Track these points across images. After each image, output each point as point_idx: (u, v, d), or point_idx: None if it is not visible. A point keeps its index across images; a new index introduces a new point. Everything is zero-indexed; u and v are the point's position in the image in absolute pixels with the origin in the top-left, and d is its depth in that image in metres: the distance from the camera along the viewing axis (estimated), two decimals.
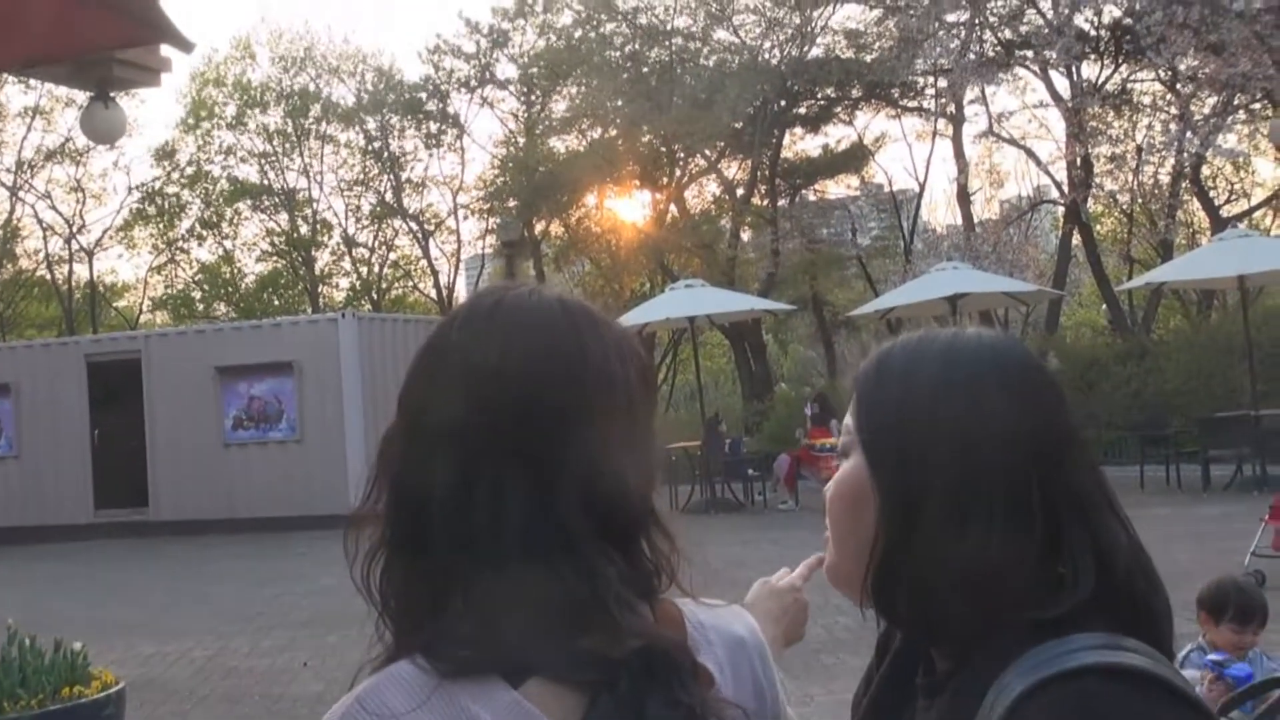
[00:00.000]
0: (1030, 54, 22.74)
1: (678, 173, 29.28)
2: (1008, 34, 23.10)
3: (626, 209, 30.86)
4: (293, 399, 18.91)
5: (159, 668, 8.85)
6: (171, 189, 34.46)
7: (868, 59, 24.72)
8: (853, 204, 31.31)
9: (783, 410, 22.91)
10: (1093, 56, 23.06)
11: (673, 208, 29.32)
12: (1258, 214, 27.85)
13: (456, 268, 35.14)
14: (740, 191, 28.16)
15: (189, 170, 34.24)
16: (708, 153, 27.83)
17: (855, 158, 28.92)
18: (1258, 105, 21.72)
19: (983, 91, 23.93)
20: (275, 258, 36.03)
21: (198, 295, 36.25)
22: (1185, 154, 21.32)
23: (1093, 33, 22.47)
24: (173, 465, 19.43)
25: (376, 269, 35.80)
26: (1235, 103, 20.97)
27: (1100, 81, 23.40)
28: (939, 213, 34.05)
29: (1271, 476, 13.91)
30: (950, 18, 22.60)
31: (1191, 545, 10.08)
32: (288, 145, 34.11)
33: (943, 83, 23.73)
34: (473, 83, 31.64)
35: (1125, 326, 24.08)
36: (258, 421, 19.23)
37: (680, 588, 1.13)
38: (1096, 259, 24.76)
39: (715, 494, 17.12)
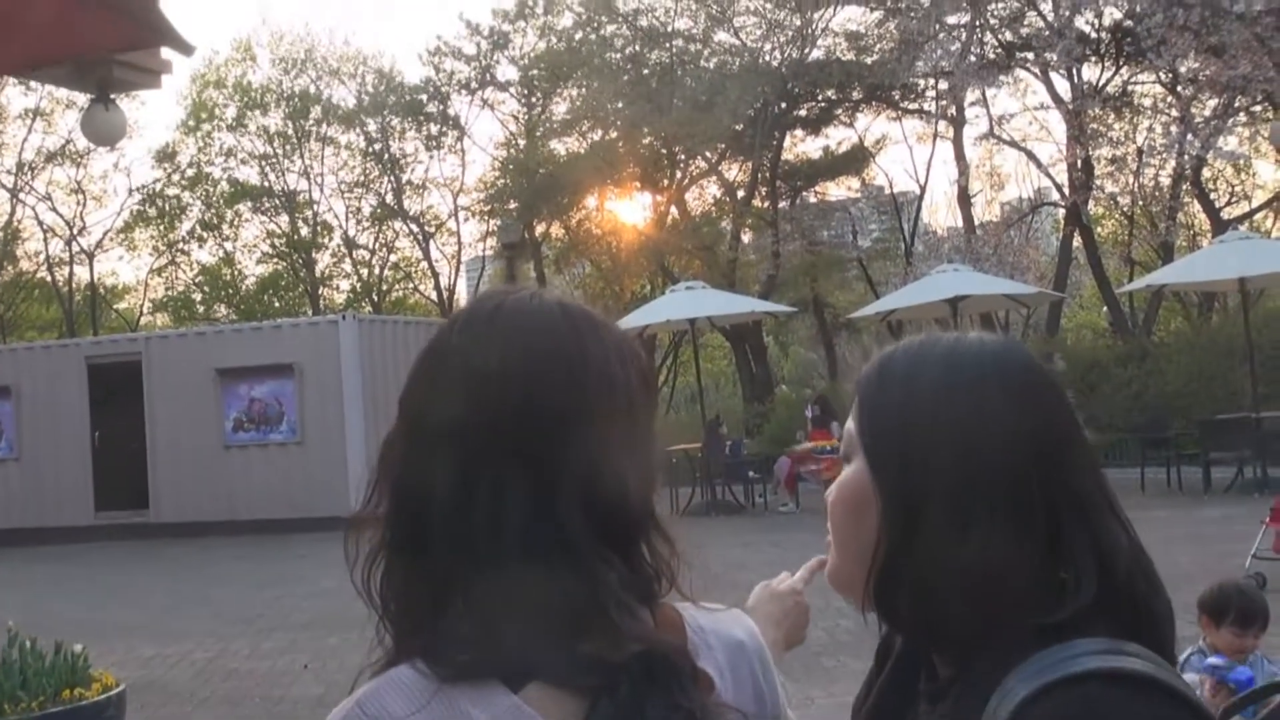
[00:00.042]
0: (1031, 56, 22.76)
1: (678, 175, 29.28)
2: (1008, 36, 23.12)
3: (627, 211, 30.90)
4: (293, 401, 18.91)
5: (160, 670, 8.84)
6: (172, 191, 34.48)
7: (868, 61, 24.72)
8: (853, 206, 31.31)
9: (783, 412, 22.91)
10: (1093, 59, 23.07)
11: (673, 210, 29.32)
12: (1258, 216, 27.86)
13: (457, 270, 35.16)
14: (741, 193, 28.16)
15: (189, 172, 34.26)
16: (708, 155, 27.83)
17: (856, 160, 28.92)
18: (1258, 107, 21.73)
19: (983, 94, 23.94)
20: (276, 260, 36.03)
21: (198, 297, 36.25)
22: (1186, 156, 21.32)
23: (1093, 35, 22.49)
24: (173, 467, 19.43)
25: (377, 271, 35.80)
26: (1236, 105, 20.97)
27: (1101, 84, 23.41)
28: (940, 215, 34.08)
29: (1272, 479, 13.90)
30: (951, 20, 22.62)
31: (1192, 547, 10.07)
32: (288, 147, 34.13)
33: (943, 85, 23.74)
34: (473, 85, 31.65)
35: (1126, 329, 24.08)
36: (258, 423, 19.23)
37: (680, 592, 1.13)
38: (1097, 261, 24.76)
39: (716, 496, 17.12)
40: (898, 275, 26.13)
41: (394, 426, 1.13)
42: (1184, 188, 23.56)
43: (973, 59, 22.19)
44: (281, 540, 16.79)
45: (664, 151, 28.06)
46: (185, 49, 3.93)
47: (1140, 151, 22.69)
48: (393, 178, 33.51)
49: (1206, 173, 24.52)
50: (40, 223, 33.88)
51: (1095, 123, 22.63)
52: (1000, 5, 22.83)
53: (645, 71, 27.19)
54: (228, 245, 35.70)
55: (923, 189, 30.07)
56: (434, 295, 34.91)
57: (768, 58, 26.20)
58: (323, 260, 35.77)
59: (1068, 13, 21.17)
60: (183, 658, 9.21)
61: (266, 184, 34.48)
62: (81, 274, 34.90)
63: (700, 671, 1.08)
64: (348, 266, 35.98)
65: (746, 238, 28.75)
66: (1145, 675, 0.99)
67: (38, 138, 32.12)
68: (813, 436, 16.63)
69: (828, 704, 6.41)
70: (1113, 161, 23.11)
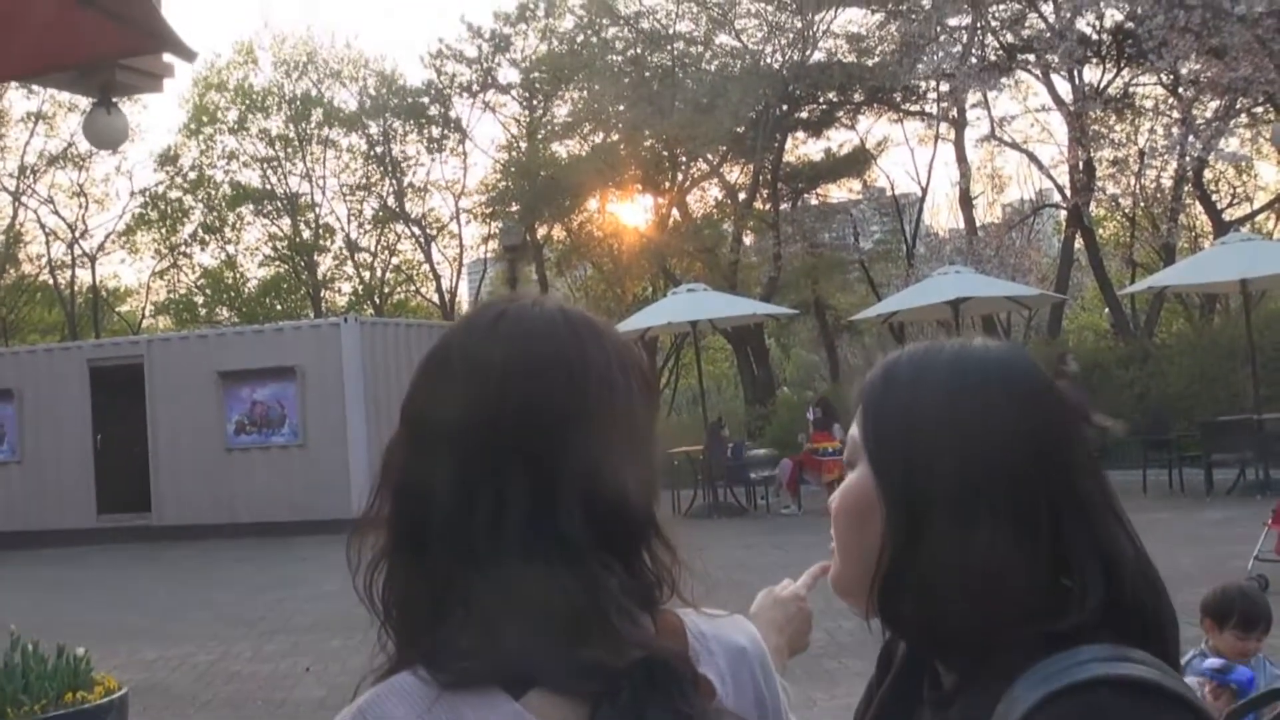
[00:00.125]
0: (1032, 58, 22.75)
1: (680, 177, 29.28)
2: (1009, 38, 23.12)
3: (628, 213, 30.89)
4: (295, 403, 18.92)
5: (162, 673, 8.85)
6: (174, 194, 34.49)
7: (869, 63, 24.72)
8: (855, 208, 31.30)
9: (785, 414, 22.90)
10: (1094, 60, 23.07)
11: (675, 212, 29.32)
12: (1260, 218, 27.83)
13: (459, 272, 35.16)
14: (742, 196, 28.16)
15: (191, 175, 34.28)
16: (710, 157, 27.83)
17: (857, 162, 28.91)
18: (1260, 109, 21.73)
19: (985, 96, 23.92)
20: (277, 262, 36.04)
21: (200, 300, 36.27)
22: (1187, 158, 21.31)
23: (1094, 36, 22.48)
24: (175, 470, 19.44)
25: (379, 273, 35.82)
26: (1237, 106, 20.98)
27: (1102, 85, 23.41)
28: (941, 217, 34.05)
29: (1274, 480, 13.89)
30: (952, 22, 22.63)
31: (1194, 549, 10.07)
32: (290, 150, 34.14)
33: (945, 87, 23.74)
34: (475, 87, 31.67)
35: (1128, 330, 24.06)
36: (260, 426, 19.24)
37: (681, 598, 1.13)
38: (1099, 263, 24.75)
39: (718, 498, 17.12)
40: (899, 277, 26.13)
41: (396, 433, 1.14)
42: (1186, 189, 23.55)
43: (974, 61, 22.19)
44: (283, 543, 16.80)
45: (665, 154, 28.06)
46: (187, 55, 3.94)
47: (1142, 153, 22.68)
48: (394, 180, 33.53)
49: (1208, 174, 24.51)
50: (42, 226, 33.95)
51: (1097, 124, 22.62)
52: (1001, 7, 22.83)
53: (647, 74, 27.19)
54: (230, 248, 35.75)
55: (924, 191, 30.07)
56: (436, 298, 34.92)
57: (769, 60, 26.21)
58: (324, 263, 35.80)
59: (1069, 14, 21.17)
60: (185, 660, 9.21)
61: (268, 187, 34.50)
62: (83, 277, 34.97)
63: (701, 677, 1.08)
64: (349, 269, 36.00)
65: (748, 240, 28.74)
66: (1151, 682, 0.99)
67: (40, 141, 32.20)
68: (814, 438, 16.63)
69: (829, 706, 6.41)
70: (1114, 163, 23.10)
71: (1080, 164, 22.14)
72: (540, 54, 30.81)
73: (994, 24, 22.86)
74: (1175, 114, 22.03)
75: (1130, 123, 23.83)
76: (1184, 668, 3.54)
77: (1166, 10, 18.72)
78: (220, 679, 8.57)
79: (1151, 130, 23.25)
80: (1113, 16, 22.11)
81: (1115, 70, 23.42)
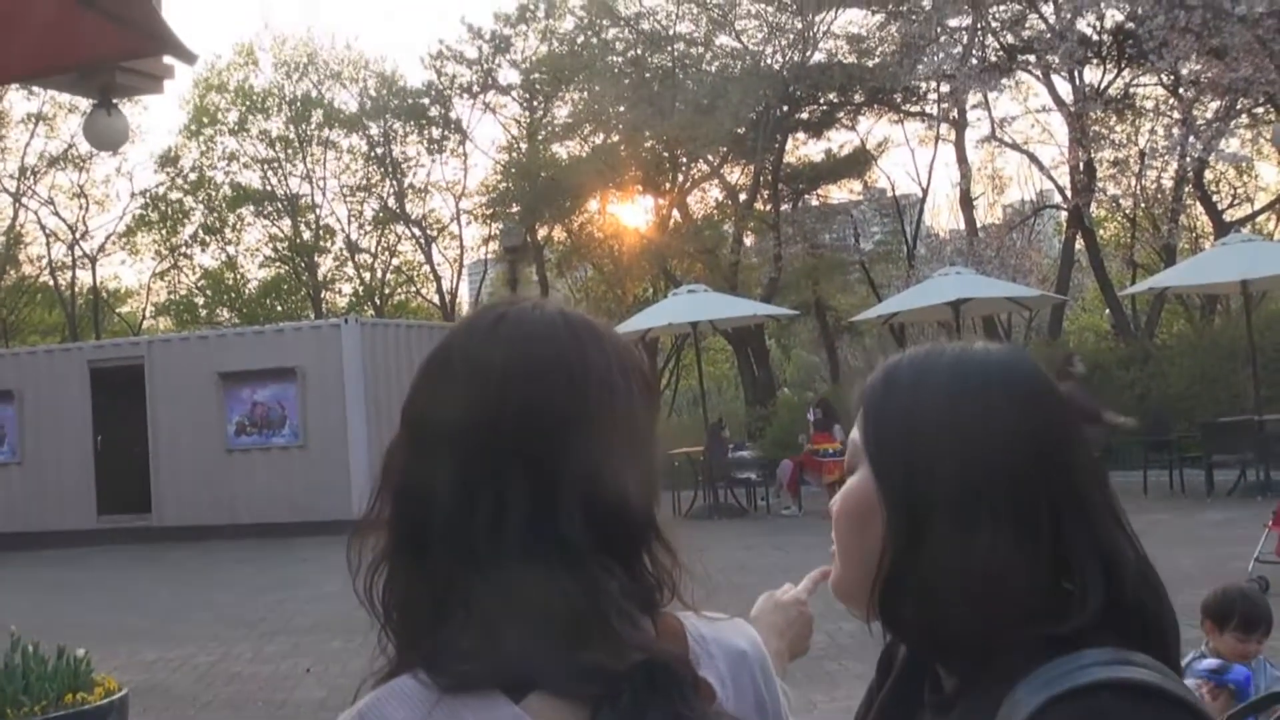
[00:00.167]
0: (1033, 59, 22.75)
1: (680, 178, 29.27)
2: (1010, 39, 23.12)
3: (629, 214, 30.88)
4: (295, 405, 18.92)
5: (162, 674, 8.85)
6: (174, 195, 34.50)
7: (870, 64, 24.73)
8: (855, 209, 31.29)
9: (785, 415, 22.90)
10: (1095, 61, 23.07)
11: (675, 213, 29.31)
12: (1261, 218, 27.82)
13: (459, 273, 35.17)
14: (743, 197, 28.15)
15: (192, 176, 34.29)
16: (710, 158, 27.82)
17: (858, 163, 28.90)
18: (1260, 109, 21.73)
19: (985, 97, 23.92)
20: (278, 263, 36.05)
21: (200, 301, 36.28)
22: (1188, 158, 21.31)
23: (1095, 37, 22.48)
24: (176, 471, 19.45)
25: (379, 274, 35.83)
26: (1238, 107, 20.97)
27: (1103, 86, 23.41)
28: (941, 217, 34.05)
29: (1275, 482, 13.88)
30: (952, 23, 22.62)
31: (1195, 551, 10.07)
32: (290, 151, 34.15)
33: (945, 88, 23.74)
34: (475, 88, 31.68)
35: (1128, 331, 24.05)
36: (260, 427, 19.24)
37: (682, 601, 1.13)
38: (1099, 264, 24.74)
39: (718, 499, 17.11)
40: (900, 278, 26.13)
41: (396, 435, 1.14)
42: (1186, 190, 23.54)
43: (974, 62, 22.19)
44: (284, 544, 16.81)
45: (666, 155, 28.05)
46: (188, 57, 3.94)
47: (1142, 154, 22.68)
48: (395, 181, 33.53)
49: (1209, 175, 24.51)
50: (43, 227, 33.97)
51: (1097, 125, 22.62)
52: (1002, 8, 22.82)
53: (647, 75, 27.19)
54: (230, 249, 35.76)
55: (925, 192, 30.06)
56: (436, 299, 34.93)
57: (769, 61, 26.20)
58: (325, 264, 35.81)
59: (1069, 15, 21.17)
60: (185, 661, 9.21)
61: (269, 188, 34.52)
62: (84, 278, 34.98)
63: (702, 680, 1.08)
64: (350, 270, 36.01)
65: (748, 241, 28.74)
66: (1154, 686, 0.99)
67: (40, 142, 32.22)
68: (815, 439, 16.63)
69: (830, 708, 6.41)
70: (1115, 164, 23.10)
71: (1081, 165, 22.14)
72: (540, 55, 30.82)
73: (994, 25, 22.86)
74: (1176, 114, 22.03)
75: (1131, 123, 23.83)
76: (1184, 669, 3.54)
77: (1167, 11, 18.72)
78: (221, 680, 8.57)
79: (1152, 131, 23.27)
80: (1113, 17, 22.12)
81: (1116, 71, 23.42)
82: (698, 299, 18.28)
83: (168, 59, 5.83)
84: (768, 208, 27.99)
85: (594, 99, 28.09)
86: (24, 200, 32.76)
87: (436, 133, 32.61)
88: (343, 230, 35.11)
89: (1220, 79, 19.42)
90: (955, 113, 25.01)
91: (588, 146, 28.98)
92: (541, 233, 31.32)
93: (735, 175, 29.10)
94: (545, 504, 1.06)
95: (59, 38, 3.66)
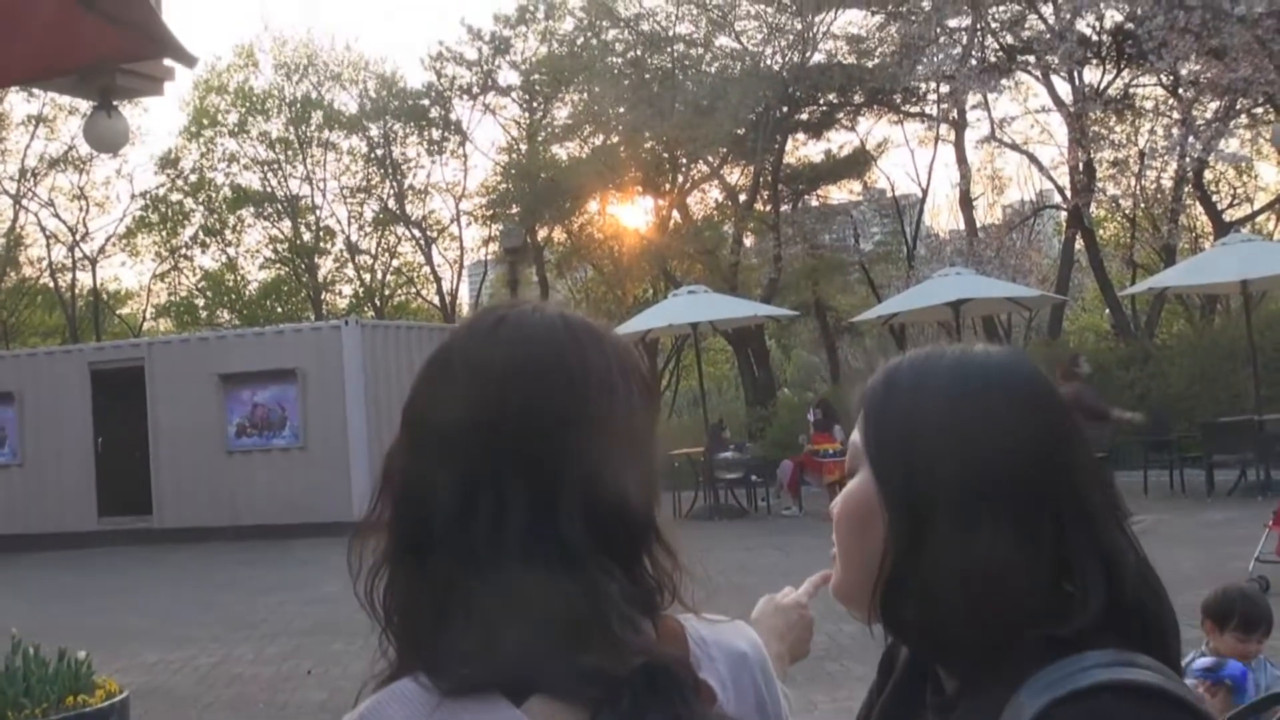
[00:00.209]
0: (1032, 59, 22.76)
1: (680, 179, 29.28)
2: (1009, 39, 23.12)
3: (629, 215, 30.88)
4: (296, 406, 18.93)
5: (163, 676, 8.85)
6: (175, 197, 34.51)
7: (869, 65, 24.73)
8: (855, 209, 31.29)
9: (786, 416, 22.91)
10: (1094, 61, 23.07)
11: (675, 214, 29.31)
12: (1260, 218, 27.82)
13: (459, 274, 35.17)
14: (743, 197, 28.16)
15: (192, 178, 34.31)
16: (710, 159, 27.82)
17: (857, 163, 28.91)
18: (1260, 110, 21.73)
19: (985, 97, 23.92)
20: (278, 265, 36.06)
21: (201, 302, 36.28)
22: (1188, 159, 21.31)
23: (1094, 38, 22.48)
24: (176, 472, 19.45)
25: (379, 276, 35.84)
26: (1237, 107, 20.98)
27: (1102, 86, 23.41)
28: (941, 218, 34.06)
29: (1275, 481, 13.89)
30: (952, 23, 22.62)
31: (1195, 551, 10.07)
32: (290, 153, 34.16)
33: (945, 88, 23.74)
34: (475, 89, 31.68)
35: (1128, 331, 24.05)
36: (261, 429, 19.25)
37: (682, 603, 1.13)
38: (1099, 264, 24.74)
39: (719, 500, 17.11)
40: (900, 278, 26.12)
41: (397, 438, 1.14)
42: (1186, 190, 23.54)
43: (974, 62, 22.19)
44: (284, 545, 16.81)
45: (665, 156, 28.06)
46: (188, 60, 3.94)
47: (1142, 154, 22.68)
48: (395, 183, 33.54)
49: (1208, 175, 24.51)
50: (43, 229, 33.97)
51: (1097, 125, 22.62)
52: (1001, 8, 22.82)
53: (647, 76, 27.19)
54: (230, 251, 35.77)
55: (924, 192, 30.07)
56: (436, 300, 34.93)
57: (769, 62, 26.20)
58: (325, 265, 35.82)
59: (1069, 15, 21.17)
60: (186, 663, 9.22)
61: (269, 189, 34.53)
62: (84, 280, 34.99)
63: (702, 683, 1.09)
64: (350, 271, 36.02)
65: (748, 241, 28.74)
66: (1156, 687, 0.99)
67: (40, 144, 32.22)
68: (815, 440, 16.64)
69: (830, 709, 6.41)
70: (1114, 164, 23.10)
71: (1080, 165, 22.14)
72: (540, 56, 30.83)
73: (994, 25, 22.86)
74: (1175, 115, 22.03)
75: (1130, 124, 23.84)
76: (1185, 669, 3.54)
77: (1166, 11, 18.73)
78: (222, 682, 8.57)
79: (1151, 131, 23.27)
80: (1112, 17, 22.13)
81: (1115, 71, 23.42)
82: (698, 300, 18.28)
83: (168, 61, 5.83)
84: (767, 208, 27.99)
85: (594, 100, 28.09)
86: (24, 202, 32.79)
87: (436, 134, 32.62)
88: (343, 232, 35.16)
89: (1220, 79, 19.43)
90: (955, 113, 25.02)
91: (587, 148, 28.98)
92: (541, 234, 31.32)
93: (735, 176, 29.11)
94: (545, 505, 1.06)
95: (59, 40, 3.67)
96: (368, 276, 35.79)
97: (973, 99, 24.12)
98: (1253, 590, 4.40)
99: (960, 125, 25.45)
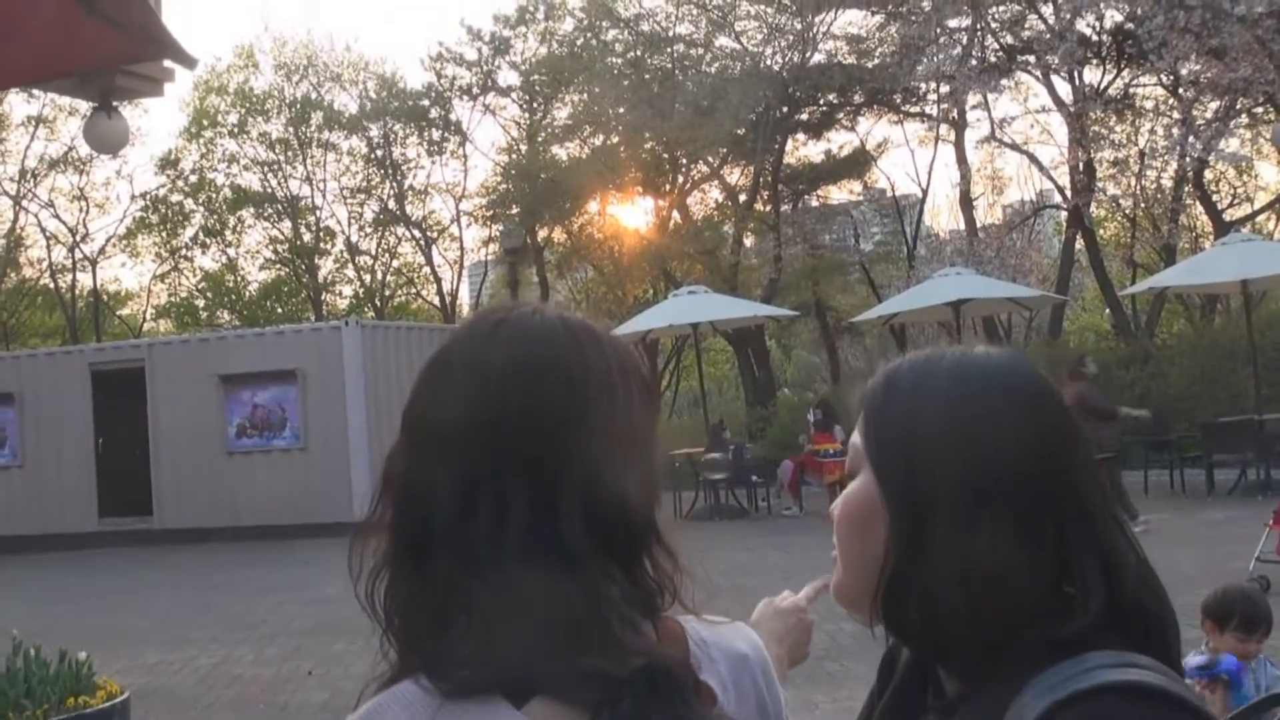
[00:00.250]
0: (1032, 59, 22.76)
1: (680, 179, 29.29)
2: (1009, 39, 23.13)
3: (629, 215, 30.90)
4: (296, 407, 18.93)
5: (164, 676, 8.85)
6: (175, 197, 34.53)
7: (870, 65, 24.74)
8: (855, 209, 31.30)
9: (786, 416, 22.91)
10: (1094, 61, 23.08)
11: (675, 214, 29.33)
12: (1261, 218, 27.84)
13: (459, 275, 35.19)
14: (743, 197, 28.17)
15: (192, 178, 34.32)
16: (710, 159, 27.83)
17: (857, 163, 28.91)
18: (1260, 109, 21.74)
19: (985, 97, 23.93)
20: (278, 265, 36.08)
21: (201, 303, 36.30)
22: (1188, 158, 21.32)
23: (1094, 38, 22.49)
24: (176, 473, 19.45)
25: (379, 276, 35.85)
26: (1237, 107, 20.98)
27: (1102, 86, 23.42)
28: (941, 218, 34.06)
29: (1276, 481, 13.89)
30: (952, 23, 22.63)
31: (1195, 550, 10.07)
32: (290, 153, 34.17)
33: (945, 88, 23.75)
34: (475, 90, 31.69)
35: (1129, 331, 24.06)
36: (261, 429, 19.25)
37: (683, 604, 1.13)
38: (1099, 263, 24.75)
39: (719, 500, 17.11)
40: (900, 278, 26.13)
41: (397, 440, 1.14)
42: (1186, 190, 23.55)
43: (974, 62, 22.20)
44: (285, 546, 16.81)
45: (666, 156, 28.07)
46: (188, 62, 3.95)
47: (1142, 154, 22.69)
48: (395, 183, 33.55)
49: (1208, 175, 24.52)
50: (43, 230, 34.00)
51: (1097, 125, 22.63)
52: (1001, 9, 22.83)
53: (646, 76, 27.20)
54: (230, 251, 35.80)
55: (925, 192, 30.07)
56: (436, 300, 34.95)
57: (769, 62, 26.21)
58: (325, 266, 35.84)
59: (1069, 15, 21.18)
60: (187, 664, 9.22)
61: (269, 190, 34.53)
62: (84, 281, 35.02)
63: (703, 685, 1.09)
64: (350, 272, 36.04)
65: (748, 242, 28.75)
66: (1159, 688, 1.00)
67: (40, 145, 32.25)
68: (815, 440, 16.63)
69: (830, 709, 6.40)
70: (1114, 164, 23.11)
71: (1080, 165, 22.15)
72: (540, 56, 30.84)
73: (994, 25, 22.87)
74: (1175, 114, 22.04)
75: (1130, 123, 23.85)
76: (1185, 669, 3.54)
77: (1166, 11, 18.73)
78: (222, 682, 8.57)
79: (1152, 131, 23.29)
80: (1112, 17, 22.14)
81: (1115, 71, 23.43)
82: (698, 300, 18.29)
83: (168, 62, 5.83)
84: (768, 209, 28.00)
85: (593, 100, 28.10)
86: (24, 203, 32.80)
87: (436, 134, 32.63)
88: (343, 232, 35.18)
89: (1220, 79, 19.43)
90: (955, 113, 25.02)
91: (587, 148, 28.99)
92: (542, 234, 31.34)
93: (735, 176, 29.12)
94: (545, 504, 1.06)
95: (59, 43, 3.67)
96: (368, 277, 35.81)
97: (973, 99, 24.14)
98: (1253, 590, 4.40)
99: (960, 125, 25.46)
